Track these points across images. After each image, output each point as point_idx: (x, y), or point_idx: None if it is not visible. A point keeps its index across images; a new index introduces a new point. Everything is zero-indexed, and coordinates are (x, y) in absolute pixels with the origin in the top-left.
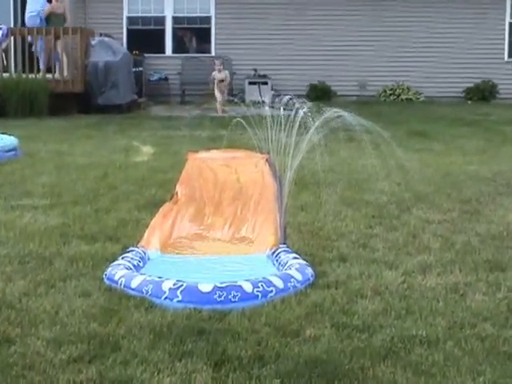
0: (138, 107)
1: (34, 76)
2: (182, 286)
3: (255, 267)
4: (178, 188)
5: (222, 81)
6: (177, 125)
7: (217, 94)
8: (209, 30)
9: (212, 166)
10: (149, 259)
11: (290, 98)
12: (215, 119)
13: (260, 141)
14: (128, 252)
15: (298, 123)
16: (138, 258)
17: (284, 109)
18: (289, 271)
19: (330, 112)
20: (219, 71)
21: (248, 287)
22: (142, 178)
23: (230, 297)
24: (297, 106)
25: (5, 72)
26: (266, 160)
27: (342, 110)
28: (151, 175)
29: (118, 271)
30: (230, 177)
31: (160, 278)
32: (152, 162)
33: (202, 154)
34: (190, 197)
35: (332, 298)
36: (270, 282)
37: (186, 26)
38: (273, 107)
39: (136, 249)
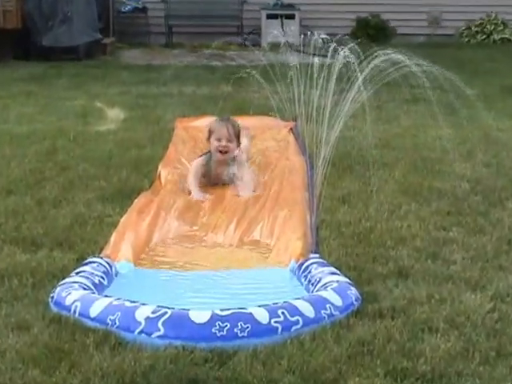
0: (103, 51)
1: None
2: (165, 314)
3: (273, 286)
4: (162, 171)
5: None
6: (160, 78)
7: None
8: None
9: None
10: (117, 275)
11: (328, 39)
12: (217, 69)
13: (282, 102)
14: (86, 264)
15: (337, 75)
16: (100, 274)
17: (318, 54)
18: (323, 293)
19: (386, 58)
20: None
21: (262, 316)
22: (107, 156)
23: (235, 330)
24: (337, 49)
25: None
26: (291, 130)
27: (404, 55)
28: (121, 152)
29: (72, 293)
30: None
31: (133, 302)
32: (123, 133)
33: (197, 122)
34: (179, 184)
35: (387, 333)
36: (295, 308)
37: None
38: (302, 52)
39: (98, 260)
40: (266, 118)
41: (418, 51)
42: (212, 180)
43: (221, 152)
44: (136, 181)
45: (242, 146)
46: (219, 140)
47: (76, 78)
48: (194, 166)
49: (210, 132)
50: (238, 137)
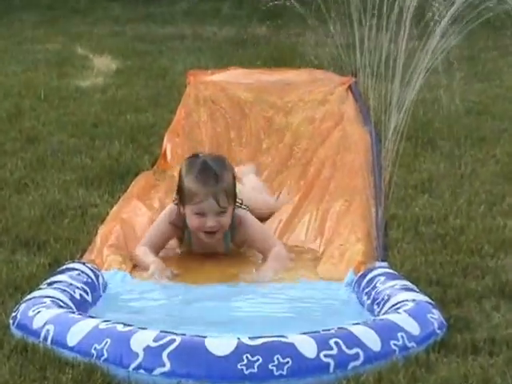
0: None
1: None
2: (172, 342)
3: (323, 307)
4: (168, 143)
5: None
6: (166, 13)
7: None
8: None
9: (236, 99)
10: (105, 288)
11: None
12: (246, 0)
13: (338, 48)
14: (63, 272)
15: (415, 12)
16: (82, 285)
17: None
18: (393, 316)
19: None
20: None
21: (308, 347)
22: (92, 123)
23: (270, 366)
24: None
25: None
26: (350, 89)
27: None
28: (112, 117)
29: (42, 312)
30: (271, 120)
31: (128, 325)
32: (114, 90)
33: (217, 76)
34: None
35: (483, 375)
36: (354, 337)
37: None
38: None
39: (79, 266)
40: (313, 71)
41: None
42: (194, 249)
43: (207, 233)
44: (132, 157)
45: (245, 190)
46: (202, 215)
47: (49, 11)
48: (157, 224)
49: (183, 192)
50: (234, 193)
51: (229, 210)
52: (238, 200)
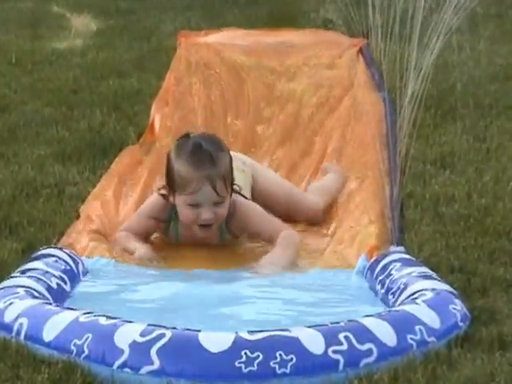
0: None
1: None
2: (161, 337)
3: (332, 297)
4: (156, 114)
5: None
6: None
7: None
8: None
9: (232, 63)
10: (86, 275)
11: None
12: None
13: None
14: (38, 259)
15: None
16: (59, 273)
17: None
18: (410, 307)
19: None
20: None
21: (314, 342)
22: (70, 89)
23: (272, 364)
24: None
25: None
26: (361, 51)
27: None
28: (93, 82)
29: (14, 303)
30: (272, 87)
31: (112, 318)
32: (95, 53)
33: (210, 37)
34: (183, 132)
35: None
36: (366, 330)
37: None
38: None
39: (56, 252)
40: (319, 32)
41: None
42: (182, 239)
43: (202, 226)
44: (116, 128)
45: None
46: (196, 206)
47: None
48: (137, 216)
49: (173, 179)
50: (231, 179)
51: (226, 199)
52: (236, 186)
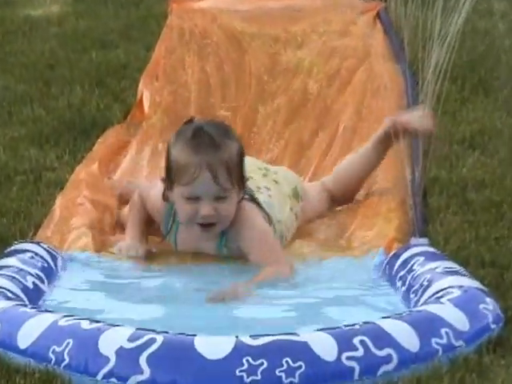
0: None
1: None
2: (151, 342)
3: (346, 294)
4: (145, 89)
5: None
6: None
7: None
8: None
9: (231, 31)
10: (65, 271)
11: None
12: None
13: None
14: (11, 255)
15: None
16: (36, 271)
17: None
18: (434, 307)
19: None
20: None
21: (326, 347)
22: (46, 63)
23: (278, 372)
24: None
25: None
26: (378, 16)
27: None
28: (73, 55)
29: None
30: (276, 57)
31: (96, 322)
32: (74, 21)
33: (206, 2)
34: (175, 110)
35: None
36: (385, 334)
37: None
38: None
39: (32, 247)
40: None
41: None
42: (180, 246)
43: (202, 226)
44: (99, 106)
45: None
46: (195, 200)
47: None
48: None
49: (170, 168)
50: (240, 173)
51: (232, 196)
52: (247, 188)
